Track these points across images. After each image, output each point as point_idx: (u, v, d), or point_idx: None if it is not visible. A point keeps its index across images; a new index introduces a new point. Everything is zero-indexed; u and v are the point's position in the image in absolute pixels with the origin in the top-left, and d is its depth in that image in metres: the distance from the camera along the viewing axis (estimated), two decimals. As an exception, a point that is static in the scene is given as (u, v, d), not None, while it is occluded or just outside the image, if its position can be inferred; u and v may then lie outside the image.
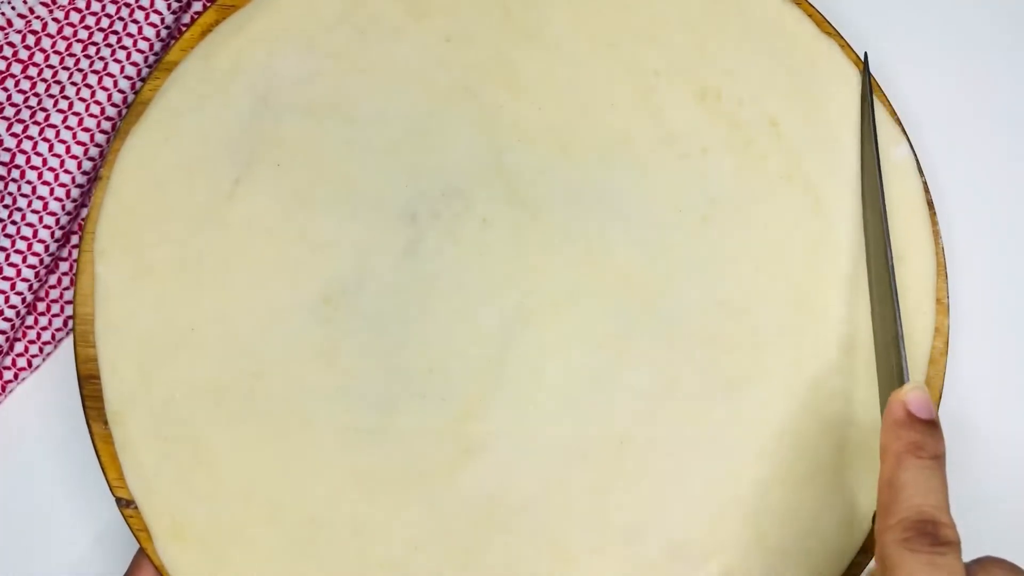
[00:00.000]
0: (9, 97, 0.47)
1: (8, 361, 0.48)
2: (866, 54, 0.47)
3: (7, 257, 0.46)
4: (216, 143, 0.45)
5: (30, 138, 0.47)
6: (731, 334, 0.45)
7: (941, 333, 0.46)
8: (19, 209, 0.46)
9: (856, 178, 0.46)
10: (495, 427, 0.44)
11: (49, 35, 0.47)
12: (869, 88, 0.46)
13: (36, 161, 0.46)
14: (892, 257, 0.43)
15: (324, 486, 0.44)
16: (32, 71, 0.47)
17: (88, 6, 0.47)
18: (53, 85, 0.47)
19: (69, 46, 0.47)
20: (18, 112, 0.47)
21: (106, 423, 0.44)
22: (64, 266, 0.49)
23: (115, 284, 0.44)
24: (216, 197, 0.45)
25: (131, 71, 0.47)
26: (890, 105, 0.47)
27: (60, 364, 0.49)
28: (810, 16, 0.47)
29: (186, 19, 0.49)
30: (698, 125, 0.46)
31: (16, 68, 0.47)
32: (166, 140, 0.45)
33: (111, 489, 0.44)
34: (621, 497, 0.44)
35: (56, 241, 0.47)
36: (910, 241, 0.46)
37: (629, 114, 0.46)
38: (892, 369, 0.42)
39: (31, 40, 0.47)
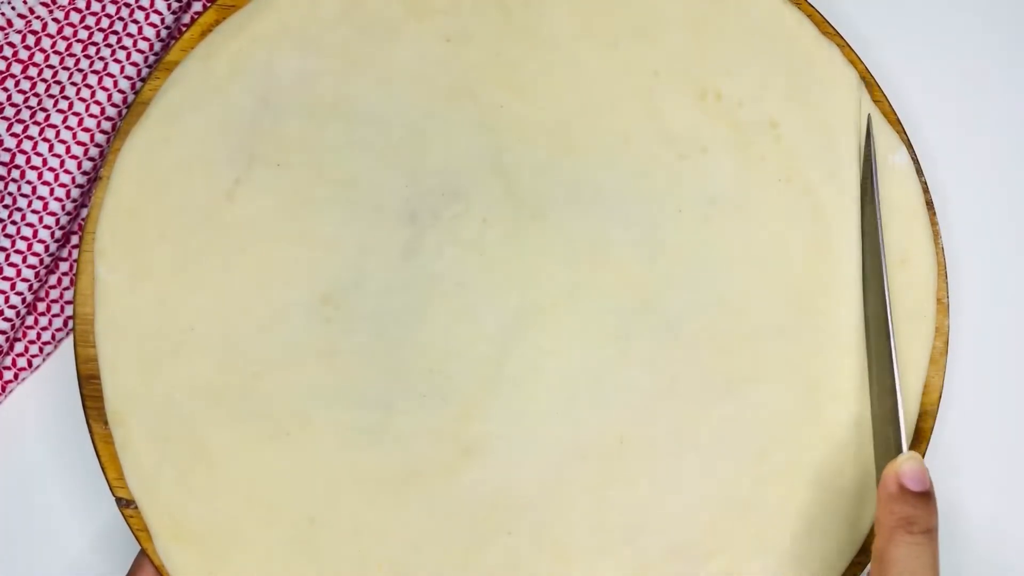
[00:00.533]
0: (9, 97, 0.47)
1: (8, 361, 0.48)
2: (869, 116, 0.46)
3: (7, 257, 0.46)
4: (216, 143, 0.45)
5: (30, 138, 0.47)
6: (731, 334, 0.45)
7: (941, 333, 0.46)
8: (19, 209, 0.46)
9: (855, 180, 0.46)
10: (495, 427, 0.44)
11: (49, 35, 0.47)
12: (872, 152, 0.46)
13: (36, 161, 0.46)
14: (893, 331, 0.43)
15: (324, 486, 0.44)
16: (32, 71, 0.47)
17: (88, 6, 0.47)
18: (53, 85, 0.47)
19: (69, 46, 0.47)
20: (18, 112, 0.47)
21: (106, 423, 0.44)
22: (64, 266, 0.49)
23: (115, 284, 0.44)
24: (216, 197, 0.45)
25: (131, 71, 0.47)
26: (889, 104, 0.47)
27: (60, 364, 0.49)
28: (810, 16, 0.47)
29: (186, 19, 0.49)
30: (698, 125, 0.46)
31: (16, 68, 0.47)
32: (166, 140, 0.45)
33: (111, 489, 0.44)
34: (621, 497, 0.44)
35: (56, 241, 0.47)
36: (909, 246, 0.46)
37: (629, 114, 0.46)
38: (889, 440, 0.42)
39: (31, 40, 0.47)
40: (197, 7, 0.49)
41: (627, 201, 0.46)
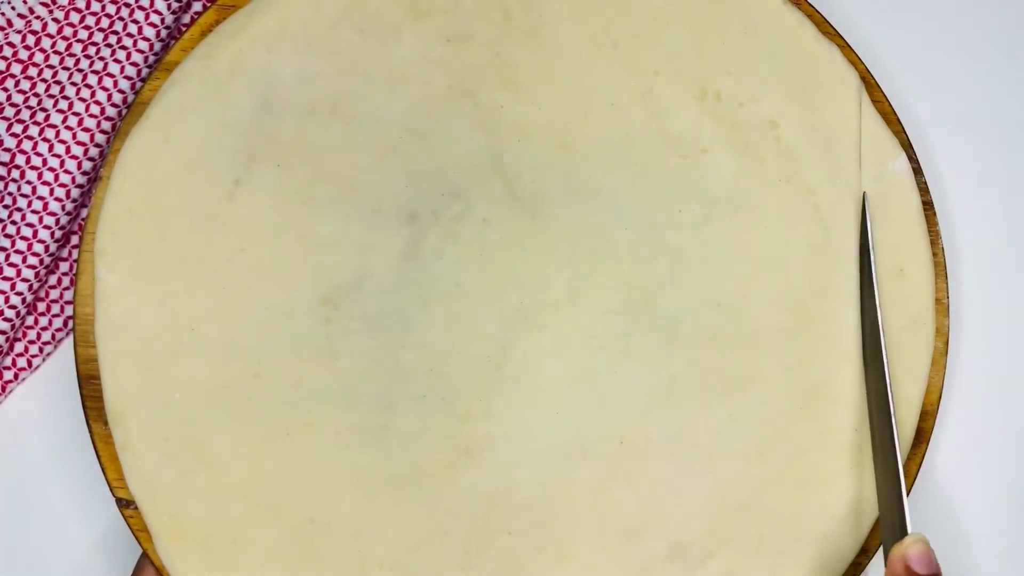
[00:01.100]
0: (9, 97, 0.47)
1: (8, 361, 0.48)
2: (865, 194, 0.46)
3: (7, 257, 0.46)
4: (216, 143, 0.45)
5: (30, 138, 0.47)
6: (730, 335, 0.45)
7: (941, 333, 0.46)
8: (19, 209, 0.46)
9: (855, 180, 0.46)
10: (495, 427, 0.44)
11: (49, 35, 0.47)
12: (868, 228, 0.45)
13: (36, 161, 0.46)
14: (895, 422, 0.43)
15: (324, 486, 0.44)
16: (32, 71, 0.47)
17: (88, 6, 0.47)
18: (53, 85, 0.47)
19: (69, 46, 0.47)
20: (18, 112, 0.47)
21: (106, 423, 0.44)
22: (64, 266, 0.49)
23: (115, 284, 0.44)
24: (216, 197, 0.45)
25: (131, 71, 0.47)
26: (889, 105, 0.47)
27: (60, 364, 0.49)
28: (810, 16, 0.47)
29: (186, 19, 0.49)
30: (698, 125, 0.46)
31: (16, 68, 0.47)
32: (166, 140, 0.45)
33: (111, 489, 0.44)
34: (621, 497, 0.44)
35: (56, 241, 0.47)
36: (905, 257, 0.46)
37: (629, 114, 0.46)
38: (895, 523, 0.42)
39: (31, 40, 0.47)
40: (197, 7, 0.49)
41: (627, 201, 0.46)
